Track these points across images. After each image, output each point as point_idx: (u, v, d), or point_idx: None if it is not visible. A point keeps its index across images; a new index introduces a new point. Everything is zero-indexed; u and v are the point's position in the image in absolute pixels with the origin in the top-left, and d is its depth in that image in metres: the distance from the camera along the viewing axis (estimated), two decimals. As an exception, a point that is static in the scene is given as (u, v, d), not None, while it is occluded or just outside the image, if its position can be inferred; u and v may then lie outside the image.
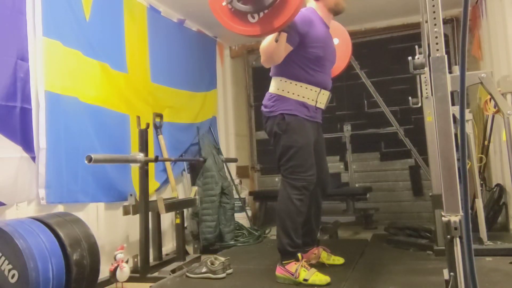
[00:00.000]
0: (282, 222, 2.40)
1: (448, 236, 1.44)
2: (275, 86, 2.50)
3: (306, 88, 2.44)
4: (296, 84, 2.44)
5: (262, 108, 2.55)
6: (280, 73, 2.47)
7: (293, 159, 2.39)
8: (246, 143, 5.42)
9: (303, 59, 2.42)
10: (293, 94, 2.43)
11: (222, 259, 2.60)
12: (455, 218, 1.43)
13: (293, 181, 2.39)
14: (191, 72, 4.40)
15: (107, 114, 3.15)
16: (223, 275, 2.56)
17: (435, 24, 1.61)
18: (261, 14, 2.11)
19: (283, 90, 2.45)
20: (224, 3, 2.17)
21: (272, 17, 2.10)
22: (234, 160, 4.82)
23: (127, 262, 2.67)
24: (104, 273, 2.63)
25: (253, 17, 2.14)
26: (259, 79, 5.28)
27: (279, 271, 2.37)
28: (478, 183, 3.13)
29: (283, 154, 2.43)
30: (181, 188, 4.18)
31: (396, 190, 4.92)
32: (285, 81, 2.45)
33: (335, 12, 2.58)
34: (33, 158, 2.55)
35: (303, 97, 2.43)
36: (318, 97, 2.48)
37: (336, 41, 2.81)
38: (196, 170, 4.14)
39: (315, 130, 2.56)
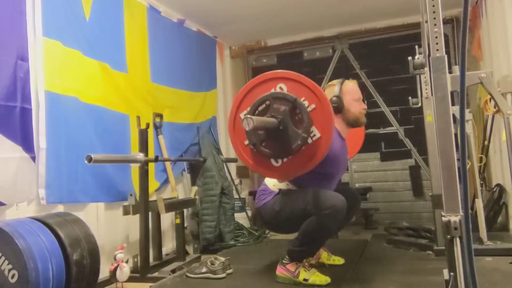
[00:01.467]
0: (310, 236, 2.26)
1: (448, 236, 1.44)
2: (274, 183, 2.42)
3: None
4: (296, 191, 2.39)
5: (256, 203, 2.48)
6: None
7: (306, 201, 2.22)
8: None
9: (314, 174, 2.23)
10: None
11: (222, 259, 2.60)
12: (455, 218, 1.43)
13: (320, 210, 2.18)
14: (191, 72, 4.40)
15: (107, 114, 3.15)
16: (223, 275, 2.56)
17: (435, 24, 1.61)
18: (285, 159, 2.06)
19: (277, 189, 2.40)
20: (246, 143, 2.11)
21: (297, 162, 2.04)
22: (234, 160, 4.82)
23: (127, 262, 2.67)
24: (104, 273, 2.63)
25: (277, 162, 2.08)
26: (259, 79, 5.28)
27: (280, 271, 2.37)
28: (478, 183, 3.13)
29: (297, 212, 2.26)
30: (181, 188, 4.18)
31: (396, 190, 4.92)
32: (287, 184, 2.39)
33: (354, 126, 2.54)
34: (33, 158, 2.55)
35: None
36: None
37: None
38: (196, 170, 4.14)
39: None
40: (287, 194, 2.35)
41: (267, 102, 2.05)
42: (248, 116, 1.85)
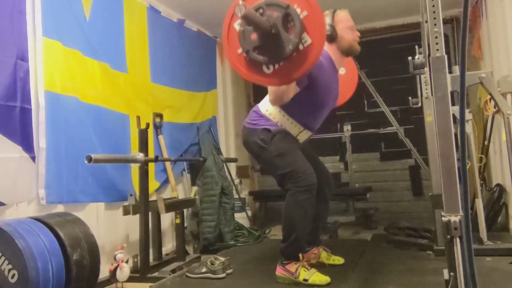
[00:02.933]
0: (290, 227, 2.35)
1: (448, 236, 1.44)
2: (265, 106, 2.47)
3: (292, 123, 2.44)
4: (284, 116, 2.43)
5: (245, 122, 2.52)
6: None
7: (287, 166, 2.34)
8: (246, 143, 5.41)
9: (305, 100, 2.38)
10: (277, 122, 2.43)
11: (222, 259, 2.60)
12: (455, 218, 1.43)
13: (296, 186, 2.32)
14: (191, 72, 4.40)
15: (107, 114, 3.15)
16: (223, 275, 2.56)
17: (435, 24, 1.61)
18: (277, 65, 2.07)
19: (270, 114, 2.44)
20: (239, 51, 2.13)
21: (288, 69, 2.06)
22: (234, 160, 4.82)
23: (127, 262, 2.67)
24: (104, 273, 2.63)
25: (268, 68, 2.10)
26: (259, 79, 5.27)
27: (279, 271, 2.37)
28: (478, 183, 3.13)
29: (275, 166, 2.39)
30: (181, 188, 4.18)
31: (396, 190, 4.92)
32: (279, 111, 2.43)
33: (348, 54, 2.56)
34: (33, 158, 2.55)
35: (286, 127, 2.43)
36: (299, 134, 2.48)
37: (342, 71, 2.80)
38: (196, 170, 4.14)
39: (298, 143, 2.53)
40: (276, 143, 2.38)
41: (261, 10, 2.06)
42: (241, 2, 1.86)
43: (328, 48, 2.47)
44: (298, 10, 2.03)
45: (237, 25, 2.11)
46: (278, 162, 2.37)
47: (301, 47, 2.02)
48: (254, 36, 2.07)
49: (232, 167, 4.98)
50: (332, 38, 2.46)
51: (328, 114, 2.64)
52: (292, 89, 2.29)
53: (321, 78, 2.36)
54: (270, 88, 2.32)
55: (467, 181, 1.29)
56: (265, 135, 2.40)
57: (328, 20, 2.48)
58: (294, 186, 2.31)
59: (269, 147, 2.39)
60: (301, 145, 2.53)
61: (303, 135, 2.51)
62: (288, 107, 2.41)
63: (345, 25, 2.51)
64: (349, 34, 2.50)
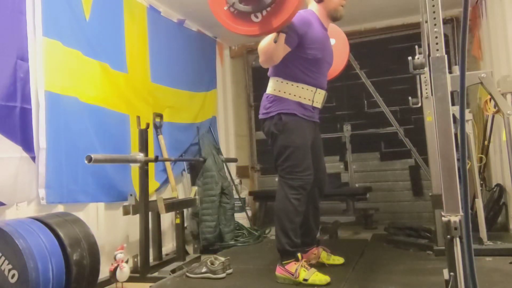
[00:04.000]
0: (281, 222, 2.41)
1: (448, 236, 1.44)
2: (272, 86, 2.51)
3: (303, 88, 2.45)
4: (292, 85, 2.44)
5: (261, 110, 2.55)
6: (277, 73, 2.48)
7: (290, 159, 2.41)
8: (246, 143, 5.42)
9: (301, 60, 2.42)
10: (290, 94, 2.44)
11: (222, 259, 2.60)
12: (455, 218, 1.44)
13: (291, 180, 2.41)
14: (191, 72, 4.40)
15: (107, 114, 3.15)
16: (223, 275, 2.56)
17: (435, 24, 1.61)
18: (264, 12, 2.12)
19: (279, 91, 2.46)
20: (225, 7, 2.19)
21: (272, 16, 2.11)
22: (234, 160, 4.82)
23: (127, 262, 2.67)
24: (104, 273, 2.63)
25: (257, 17, 2.15)
26: (258, 79, 5.27)
27: (279, 271, 2.37)
28: (478, 183, 3.13)
29: (280, 154, 2.45)
30: (181, 188, 4.18)
31: (396, 190, 4.91)
32: (282, 82, 2.46)
33: (333, 18, 2.58)
34: (33, 158, 2.55)
35: (300, 96, 2.44)
36: (314, 97, 2.49)
37: (332, 41, 2.81)
38: (196, 170, 4.14)
39: (312, 130, 2.56)
40: (289, 129, 2.42)
41: None
42: None
43: (315, 8, 2.54)
44: None
45: None
46: (284, 152, 2.43)
47: None
48: None
49: (232, 167, 4.98)
50: None
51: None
52: (281, 49, 2.30)
53: (311, 34, 2.39)
54: (260, 49, 2.33)
55: (467, 181, 1.29)
56: (277, 121, 2.44)
57: None
58: (288, 180, 2.40)
59: (280, 135, 2.43)
60: (313, 136, 2.57)
61: (318, 97, 2.52)
62: (288, 72, 2.44)
63: None
64: None
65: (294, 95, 2.44)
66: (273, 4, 2.09)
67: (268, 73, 2.56)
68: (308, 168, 2.44)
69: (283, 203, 2.41)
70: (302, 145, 2.44)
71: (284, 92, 2.45)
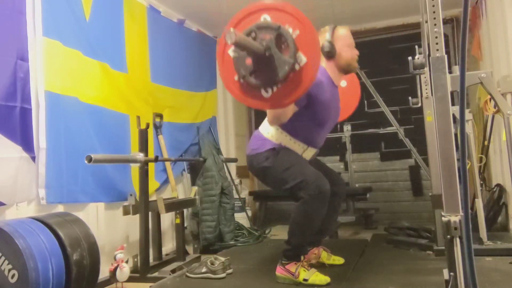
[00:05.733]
0: (298, 233, 2.31)
1: (448, 236, 1.44)
2: (267, 130, 2.45)
3: (295, 143, 2.42)
4: (290, 139, 2.42)
5: (248, 149, 2.50)
6: None
7: (297, 177, 2.28)
8: (246, 143, 5.41)
9: (305, 119, 2.36)
10: (281, 143, 2.41)
11: (222, 259, 2.60)
12: (455, 218, 1.43)
13: (309, 195, 2.24)
14: (191, 72, 4.40)
15: (107, 114, 3.15)
16: (223, 275, 2.56)
17: (435, 24, 1.61)
18: (275, 88, 2.05)
19: (272, 136, 2.42)
20: (236, 78, 2.12)
21: (287, 90, 2.04)
22: (234, 160, 4.82)
23: (127, 262, 2.67)
24: (104, 273, 2.63)
25: (267, 92, 2.07)
26: (259, 79, 5.27)
27: (279, 271, 2.37)
28: (478, 183, 3.13)
29: (284, 180, 2.32)
30: (181, 188, 4.18)
31: (396, 190, 4.92)
32: (281, 132, 2.41)
33: (346, 72, 2.54)
34: (33, 158, 2.55)
35: (290, 147, 2.42)
36: (304, 153, 2.46)
37: (343, 83, 2.79)
38: (196, 170, 4.14)
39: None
40: (281, 158, 2.36)
41: (253, 34, 2.05)
42: (231, 29, 1.84)
43: (326, 65, 2.45)
44: (290, 30, 2.01)
45: (231, 52, 2.09)
46: (287, 175, 2.32)
47: (297, 67, 2.01)
48: (249, 61, 2.05)
49: (232, 167, 4.98)
50: (330, 55, 2.44)
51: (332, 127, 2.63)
52: (290, 109, 2.27)
53: (320, 96, 2.32)
54: (269, 110, 2.29)
55: (467, 181, 1.29)
56: (269, 154, 2.38)
57: (327, 36, 2.46)
58: (306, 194, 2.24)
59: (275, 164, 2.35)
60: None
61: (308, 153, 2.48)
62: (289, 127, 2.38)
63: (345, 42, 2.49)
64: (347, 52, 2.48)
65: (285, 145, 2.41)
66: (286, 81, 2.02)
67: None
68: (319, 175, 2.30)
69: (304, 217, 2.28)
70: (298, 160, 2.38)
71: (276, 140, 2.41)
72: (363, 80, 4.76)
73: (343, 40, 2.49)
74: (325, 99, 2.37)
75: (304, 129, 2.41)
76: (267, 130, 2.45)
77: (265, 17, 2.08)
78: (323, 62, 2.45)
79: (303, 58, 2.01)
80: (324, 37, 2.46)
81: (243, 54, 2.04)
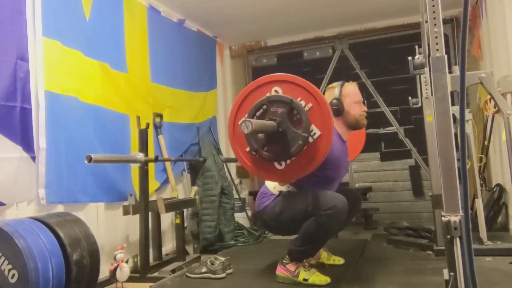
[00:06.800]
0: (309, 240, 2.27)
1: (448, 236, 1.44)
2: (274, 185, 2.42)
3: None
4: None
5: (256, 206, 2.48)
6: None
7: (306, 202, 2.22)
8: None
9: (316, 178, 2.30)
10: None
11: (222, 259, 2.60)
12: (455, 218, 1.43)
13: (322, 211, 2.17)
14: (191, 72, 4.40)
15: (107, 114, 3.15)
16: (223, 275, 2.56)
17: (435, 24, 1.61)
18: (288, 161, 2.05)
19: (278, 191, 2.40)
20: (247, 149, 2.11)
21: (301, 162, 2.03)
22: (234, 160, 4.81)
23: (127, 262, 2.67)
24: (104, 273, 2.63)
25: (280, 165, 2.06)
26: (259, 79, 5.27)
27: (279, 271, 2.37)
28: (478, 183, 3.13)
29: (297, 214, 2.25)
30: (181, 188, 4.18)
31: (396, 190, 4.91)
32: (287, 186, 2.38)
33: (354, 128, 2.54)
34: (33, 158, 2.55)
35: None
36: None
37: None
38: (196, 170, 4.14)
39: None
40: (288, 196, 2.35)
41: (264, 107, 2.05)
42: (247, 119, 1.85)
43: (334, 122, 2.38)
44: (302, 103, 2.01)
45: (242, 130, 2.03)
46: (298, 207, 2.26)
47: (310, 140, 2.01)
48: (261, 135, 2.04)
49: (232, 167, 4.98)
50: (338, 112, 2.44)
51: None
52: None
53: (331, 155, 2.22)
54: None
55: (467, 181, 1.29)
56: (276, 201, 2.35)
57: (336, 93, 2.47)
58: (321, 211, 2.17)
59: (283, 206, 2.32)
60: None
61: None
62: (299, 184, 2.35)
63: (353, 99, 2.49)
64: (356, 109, 2.48)
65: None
66: (299, 154, 2.01)
67: None
68: (333, 194, 2.24)
69: (319, 230, 2.21)
70: (308, 190, 2.32)
71: (283, 196, 2.38)
72: (363, 80, 4.78)
73: (351, 97, 2.49)
74: (335, 157, 2.34)
75: (314, 186, 2.33)
76: (274, 185, 2.42)
77: (276, 90, 2.07)
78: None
79: (316, 131, 2.01)
80: (332, 94, 2.48)
81: None
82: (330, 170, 2.35)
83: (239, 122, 1.96)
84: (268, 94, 2.09)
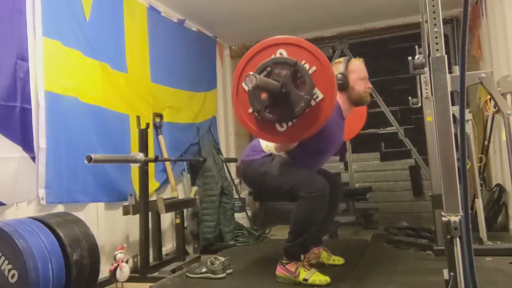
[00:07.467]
0: (300, 229, 2.30)
1: (448, 236, 1.44)
2: (266, 144, 2.42)
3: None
4: (284, 157, 2.41)
5: (243, 156, 2.49)
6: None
7: (294, 178, 2.28)
8: (246, 143, 5.39)
9: (308, 148, 2.35)
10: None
11: (222, 259, 2.60)
12: (455, 218, 1.43)
13: (308, 193, 2.23)
14: (191, 72, 4.40)
15: (107, 114, 3.15)
16: (223, 275, 2.56)
17: (435, 24, 1.61)
18: (290, 123, 2.06)
19: (269, 150, 2.41)
20: (250, 110, 2.11)
21: (302, 125, 2.04)
22: (234, 160, 4.82)
23: (127, 262, 2.67)
24: (104, 273, 2.63)
25: (281, 126, 2.07)
26: (259, 79, 5.27)
27: (279, 271, 2.37)
28: (478, 183, 3.13)
29: (281, 184, 2.32)
30: (181, 188, 4.18)
31: (396, 190, 4.92)
32: (280, 151, 2.40)
33: (358, 104, 2.54)
34: (33, 158, 2.55)
35: None
36: None
37: None
38: (196, 170, 4.14)
39: None
40: (277, 164, 2.35)
41: (268, 69, 2.05)
42: (251, 73, 1.84)
43: (338, 97, 2.40)
44: (307, 66, 2.02)
45: (245, 85, 2.06)
46: (283, 179, 2.31)
47: (313, 103, 2.01)
48: (264, 95, 2.05)
49: (232, 167, 4.98)
50: (343, 87, 2.44)
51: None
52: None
53: (327, 128, 2.28)
54: None
55: (467, 181, 1.29)
56: (264, 160, 2.37)
57: (341, 68, 2.47)
58: (306, 193, 2.23)
59: (270, 169, 2.35)
60: None
61: None
62: (291, 151, 2.38)
63: (358, 75, 2.49)
64: (360, 85, 2.48)
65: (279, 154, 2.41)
66: (301, 116, 2.01)
67: None
68: (315, 175, 2.32)
69: (306, 214, 2.27)
70: (292, 164, 2.36)
71: (274, 161, 2.39)
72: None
73: (357, 73, 2.49)
74: (331, 131, 2.36)
75: (305, 156, 2.39)
76: (266, 144, 2.43)
77: (281, 52, 2.07)
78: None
79: (319, 94, 2.01)
80: (338, 69, 2.47)
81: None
82: (324, 142, 2.38)
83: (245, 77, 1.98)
84: (273, 56, 2.08)
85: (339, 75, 2.43)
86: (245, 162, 2.48)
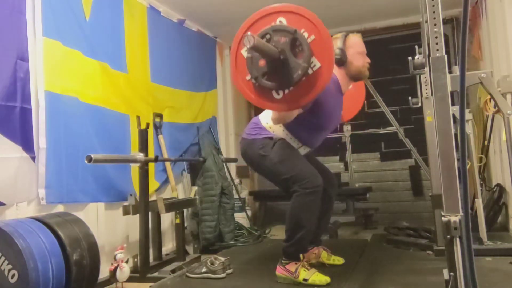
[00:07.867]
0: (296, 227, 2.32)
1: (448, 236, 1.44)
2: (266, 121, 2.45)
3: (291, 138, 2.45)
4: (287, 134, 2.44)
5: (244, 133, 2.51)
6: None
7: (291, 170, 2.32)
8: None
9: (307, 122, 2.38)
10: (276, 136, 2.43)
11: (222, 259, 2.60)
12: (455, 218, 1.43)
13: (302, 188, 2.28)
14: (191, 72, 4.40)
15: (107, 114, 3.15)
16: (223, 275, 2.56)
17: (435, 24, 1.61)
18: (286, 91, 2.06)
19: (270, 127, 2.44)
20: (248, 78, 2.12)
21: (299, 93, 2.05)
22: (234, 160, 4.82)
23: (127, 262, 2.67)
24: (104, 273, 2.63)
25: (278, 94, 2.08)
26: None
27: (279, 271, 2.37)
28: (478, 183, 3.13)
29: (278, 172, 2.36)
30: (181, 188, 4.18)
31: (396, 190, 4.92)
32: (280, 126, 2.43)
33: (356, 79, 2.55)
34: (33, 158, 2.55)
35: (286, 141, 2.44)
36: (298, 149, 2.48)
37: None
38: (196, 170, 4.14)
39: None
40: (279, 148, 2.37)
41: (268, 36, 2.05)
42: (249, 33, 1.85)
43: (336, 72, 2.44)
44: (306, 35, 2.02)
45: (244, 52, 2.10)
46: (281, 168, 2.35)
47: (310, 71, 2.01)
48: (262, 62, 2.06)
49: (232, 167, 4.98)
50: (341, 62, 2.45)
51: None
52: (295, 111, 2.27)
53: (326, 103, 2.32)
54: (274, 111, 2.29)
55: (467, 181, 1.29)
56: (266, 143, 2.39)
57: (339, 43, 2.47)
58: (300, 188, 2.27)
59: (270, 154, 2.37)
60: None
61: (301, 151, 2.51)
62: (289, 125, 2.40)
63: (356, 50, 2.49)
64: (359, 59, 2.49)
65: (281, 139, 2.43)
66: (298, 84, 2.03)
67: None
68: (312, 169, 2.35)
69: (300, 211, 2.29)
70: (293, 154, 2.39)
71: (274, 132, 2.43)
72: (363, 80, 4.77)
73: (355, 48, 2.49)
74: (329, 106, 2.38)
75: (303, 130, 2.43)
76: (266, 121, 2.46)
77: (281, 20, 2.08)
78: (334, 69, 2.42)
79: (317, 63, 2.01)
80: (336, 44, 2.46)
81: (256, 55, 2.05)
82: (322, 118, 2.40)
83: (243, 53, 2.02)
84: (272, 24, 2.09)
85: (337, 50, 2.43)
86: (246, 140, 2.50)
